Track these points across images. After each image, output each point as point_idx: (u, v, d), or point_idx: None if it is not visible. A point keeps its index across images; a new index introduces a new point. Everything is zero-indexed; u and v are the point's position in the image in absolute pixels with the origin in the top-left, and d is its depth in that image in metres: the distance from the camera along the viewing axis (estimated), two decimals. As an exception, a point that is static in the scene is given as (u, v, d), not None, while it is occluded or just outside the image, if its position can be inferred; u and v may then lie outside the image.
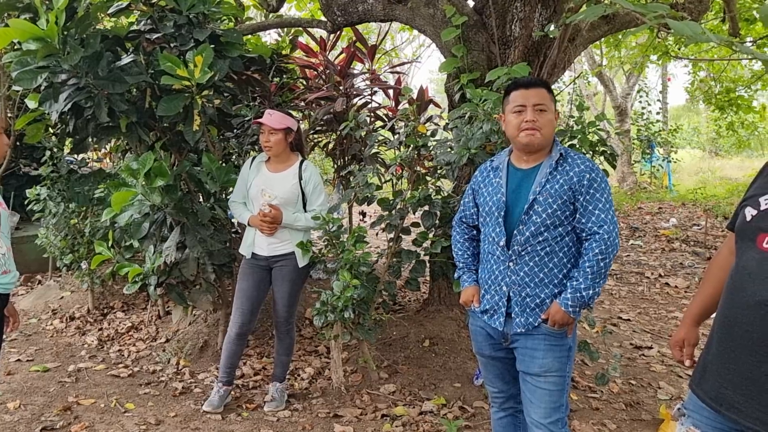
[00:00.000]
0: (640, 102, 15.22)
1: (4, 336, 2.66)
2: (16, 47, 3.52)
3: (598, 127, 3.32)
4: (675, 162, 15.42)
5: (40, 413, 3.48)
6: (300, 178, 3.51)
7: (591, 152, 3.34)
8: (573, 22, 3.35)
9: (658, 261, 7.42)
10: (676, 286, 6.33)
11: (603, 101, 18.39)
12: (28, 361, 4.33)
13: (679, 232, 8.95)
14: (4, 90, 5.45)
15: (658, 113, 15.91)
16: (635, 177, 14.90)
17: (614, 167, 3.45)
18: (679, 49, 10.26)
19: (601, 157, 3.38)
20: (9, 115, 5.62)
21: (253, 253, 3.53)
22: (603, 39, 6.88)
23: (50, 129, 4.26)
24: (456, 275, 2.63)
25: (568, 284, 2.22)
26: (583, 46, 4.71)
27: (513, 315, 2.31)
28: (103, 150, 6.27)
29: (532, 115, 2.24)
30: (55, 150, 5.17)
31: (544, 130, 2.26)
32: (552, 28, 3.81)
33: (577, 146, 3.27)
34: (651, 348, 4.59)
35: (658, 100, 16.40)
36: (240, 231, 4.15)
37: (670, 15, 1.95)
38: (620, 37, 8.04)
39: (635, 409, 3.60)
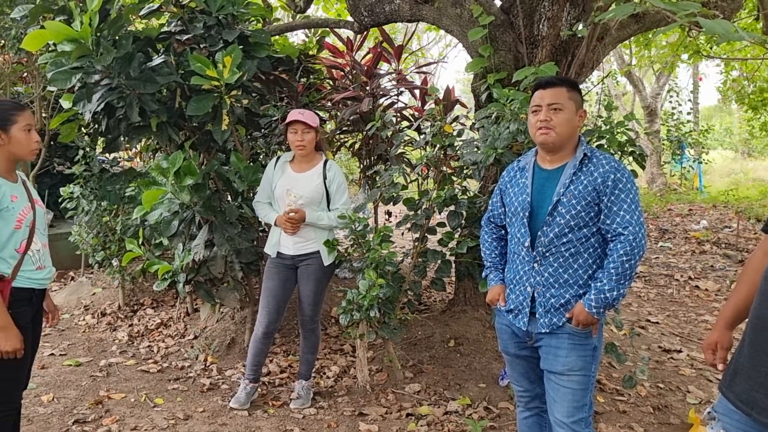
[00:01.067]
0: (671, 102, 14.98)
1: (42, 331, 2.73)
2: (51, 48, 3.60)
3: (626, 127, 3.29)
4: (706, 163, 15.15)
5: (72, 406, 3.56)
6: (324, 178, 3.54)
7: (619, 152, 3.31)
8: (602, 20, 3.31)
9: (687, 263, 7.30)
10: (706, 289, 6.22)
11: (632, 101, 18.14)
12: (61, 355, 4.44)
13: (710, 234, 8.79)
14: (39, 90, 5.59)
15: (688, 113, 15.65)
16: (665, 178, 14.67)
17: (643, 168, 3.41)
18: (710, 48, 10.07)
19: (630, 158, 3.34)
20: (44, 114, 5.76)
21: (278, 252, 3.56)
22: (632, 38, 6.79)
23: (83, 128, 4.35)
24: (483, 274, 2.63)
25: (593, 285, 2.21)
26: (612, 45, 4.66)
27: (537, 315, 2.31)
28: (133, 149, 6.38)
29: (546, 114, 2.26)
30: (87, 149, 5.28)
31: (559, 129, 2.25)
32: (580, 27, 3.78)
33: (605, 146, 3.24)
34: (680, 351, 4.52)
35: (689, 100, 16.13)
36: (267, 230, 4.20)
37: (702, 13, 1.93)
38: (650, 35, 7.93)
39: (663, 413, 3.55)
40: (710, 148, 16.55)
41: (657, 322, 5.25)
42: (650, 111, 13.92)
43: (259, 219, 3.71)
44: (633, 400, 3.69)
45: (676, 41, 9.90)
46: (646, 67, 14.48)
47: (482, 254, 2.64)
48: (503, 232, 2.57)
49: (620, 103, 15.89)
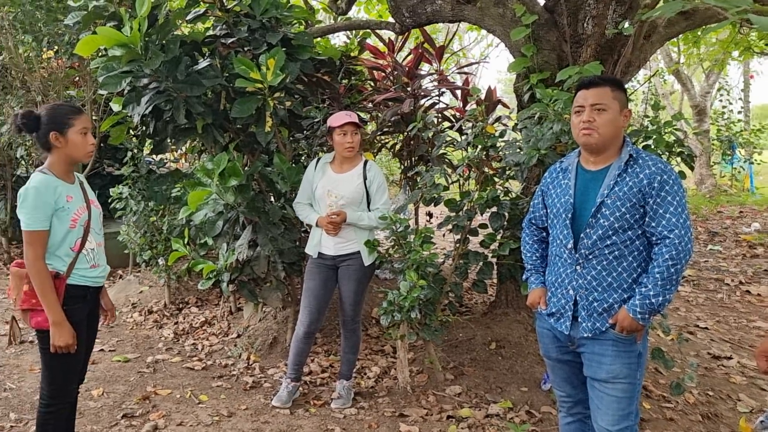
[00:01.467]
0: (721, 101, 14.53)
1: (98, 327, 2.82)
2: (102, 53, 3.72)
3: (674, 127, 3.21)
4: (758, 163, 14.63)
5: (121, 401, 3.67)
6: (365, 178, 3.56)
7: (667, 153, 3.23)
8: (649, 18, 3.24)
9: (738, 267, 7.06)
10: (758, 294, 6.01)
11: (680, 100, 17.68)
12: (110, 351, 4.57)
13: (762, 238, 8.49)
14: (91, 94, 5.77)
15: (739, 112, 15.15)
16: (715, 179, 14.23)
17: (692, 168, 3.31)
18: (763, 44, 9.74)
19: (678, 158, 3.25)
20: (95, 117, 5.94)
21: (319, 253, 3.59)
22: (681, 35, 6.61)
23: (132, 131, 4.48)
24: (524, 277, 2.60)
25: (637, 290, 2.15)
26: (659, 43, 4.55)
27: (579, 319, 2.27)
28: (180, 151, 6.53)
29: (589, 115, 2.22)
30: (136, 151, 5.43)
31: (602, 129, 2.21)
32: (627, 25, 3.71)
33: (652, 147, 3.17)
34: (730, 358, 4.38)
35: (740, 99, 15.62)
36: (309, 230, 4.24)
37: (753, 9, 1.87)
38: (699, 33, 7.71)
39: (713, 422, 3.45)
40: (762, 148, 15.94)
41: (706, 328, 5.09)
42: (699, 110, 13.53)
43: (301, 219, 3.75)
44: (681, 407, 3.59)
45: (726, 38, 9.61)
46: (695, 65, 14.09)
47: (523, 256, 2.62)
48: (545, 234, 2.54)
49: (668, 102, 15.49)
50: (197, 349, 4.62)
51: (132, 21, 3.30)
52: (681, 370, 4.06)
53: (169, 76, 3.51)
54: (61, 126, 2.47)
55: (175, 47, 3.54)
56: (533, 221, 2.57)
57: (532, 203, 2.58)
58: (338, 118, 3.46)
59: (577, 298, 2.27)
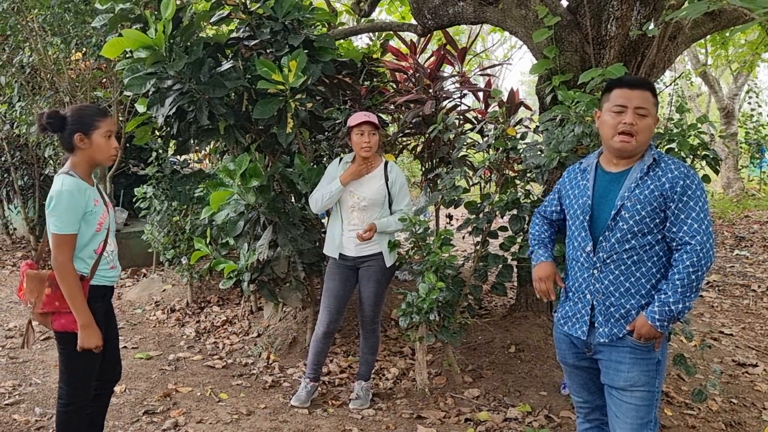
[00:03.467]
0: (749, 103, 14.25)
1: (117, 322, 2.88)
2: (127, 55, 3.78)
3: (699, 130, 3.16)
4: (788, 167, 14.34)
5: (143, 398, 3.72)
6: (386, 179, 3.56)
7: (691, 156, 3.18)
8: (674, 19, 3.19)
9: (766, 273, 6.93)
10: (786, 301, 5.89)
11: (707, 103, 17.38)
12: (133, 348, 4.63)
13: (791, 243, 8.32)
14: (117, 95, 5.87)
15: (769, 115, 14.86)
16: (742, 183, 13.96)
17: (717, 172, 3.26)
18: (794, 46, 9.54)
19: (703, 162, 3.20)
20: (120, 118, 6.04)
21: (340, 254, 3.60)
22: (708, 37, 6.52)
23: (156, 131, 4.54)
24: (528, 252, 2.53)
25: (656, 297, 2.11)
26: (685, 44, 4.48)
27: (596, 324, 2.24)
28: (203, 152, 6.61)
29: (632, 118, 2.12)
30: (160, 151, 5.50)
31: (640, 136, 2.13)
32: (651, 26, 3.66)
33: (676, 150, 3.12)
34: (756, 366, 4.30)
35: (770, 101, 15.31)
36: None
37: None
38: (727, 34, 7.58)
39: (736, 430, 3.39)
40: (793, 151, 15.61)
41: (731, 334, 5.00)
42: (727, 113, 13.29)
43: (319, 204, 3.59)
44: (703, 414, 3.53)
45: (755, 39, 9.44)
46: (722, 66, 13.85)
47: (530, 237, 2.57)
48: (554, 226, 2.53)
49: (695, 104, 15.25)
50: (218, 347, 4.67)
51: (157, 23, 3.35)
52: (704, 377, 3.99)
53: (193, 77, 3.55)
54: (86, 127, 2.49)
55: (199, 49, 3.59)
56: (543, 213, 2.53)
57: (546, 198, 2.54)
58: (356, 118, 3.48)
59: (594, 303, 2.23)
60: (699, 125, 3.17)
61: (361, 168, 3.46)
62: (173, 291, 5.89)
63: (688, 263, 2.06)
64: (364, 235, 3.44)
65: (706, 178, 2.95)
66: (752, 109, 14.29)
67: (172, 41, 3.46)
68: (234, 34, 4.02)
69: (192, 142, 4.04)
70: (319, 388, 3.81)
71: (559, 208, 2.47)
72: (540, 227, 2.56)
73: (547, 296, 2.44)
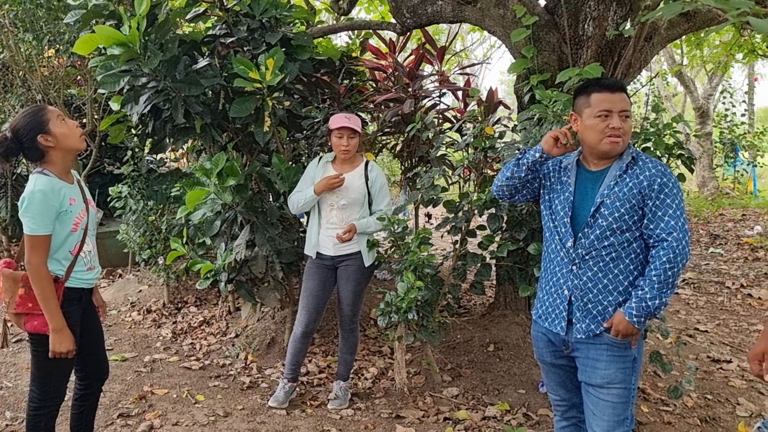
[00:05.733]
0: (724, 103, 14.48)
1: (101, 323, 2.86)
2: (101, 52, 3.71)
3: (674, 129, 3.19)
4: (761, 166, 14.58)
5: (117, 400, 3.66)
6: (366, 179, 3.55)
7: (667, 155, 3.21)
8: (650, 19, 3.22)
9: (740, 270, 7.03)
10: (759, 298, 5.98)
11: (683, 103, 17.62)
12: (108, 350, 4.53)
13: (764, 241, 8.46)
14: (91, 93, 5.78)
15: (743, 115, 15.10)
16: (717, 182, 14.19)
17: (691, 171, 3.30)
18: (767, 47, 9.70)
19: (678, 161, 3.24)
20: (95, 116, 5.95)
21: (318, 253, 3.58)
22: (683, 37, 6.60)
23: (132, 130, 4.48)
24: (516, 158, 2.42)
25: (633, 293, 2.14)
26: (661, 44, 4.53)
27: (574, 320, 2.26)
28: (180, 150, 6.53)
29: (619, 122, 2.17)
30: (136, 150, 5.43)
31: (626, 137, 2.19)
32: (627, 26, 3.68)
33: (652, 149, 3.15)
34: (730, 362, 4.36)
35: (744, 102, 15.57)
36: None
37: (753, 11, 1.85)
38: (702, 35, 7.69)
39: (711, 425, 3.43)
40: (766, 151, 15.89)
41: (706, 331, 5.07)
42: (702, 112, 13.49)
43: (296, 207, 3.62)
44: (679, 411, 3.57)
45: (729, 40, 9.59)
46: (698, 67, 14.05)
47: (503, 170, 2.46)
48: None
49: (670, 104, 15.45)
50: (195, 348, 4.62)
51: (131, 20, 3.29)
52: (680, 373, 4.04)
53: (168, 75, 3.50)
54: (41, 126, 2.40)
55: (174, 46, 3.54)
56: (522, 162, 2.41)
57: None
58: (335, 121, 3.47)
59: (572, 298, 2.26)
60: (674, 124, 3.21)
61: (333, 183, 3.44)
62: (149, 292, 5.82)
63: (664, 259, 2.09)
64: (344, 236, 3.43)
65: (681, 177, 2.98)
66: (726, 109, 14.51)
67: (146, 38, 3.41)
68: (210, 32, 3.97)
69: (168, 140, 3.99)
70: (298, 389, 3.78)
71: (536, 172, 2.40)
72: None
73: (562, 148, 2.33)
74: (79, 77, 6.15)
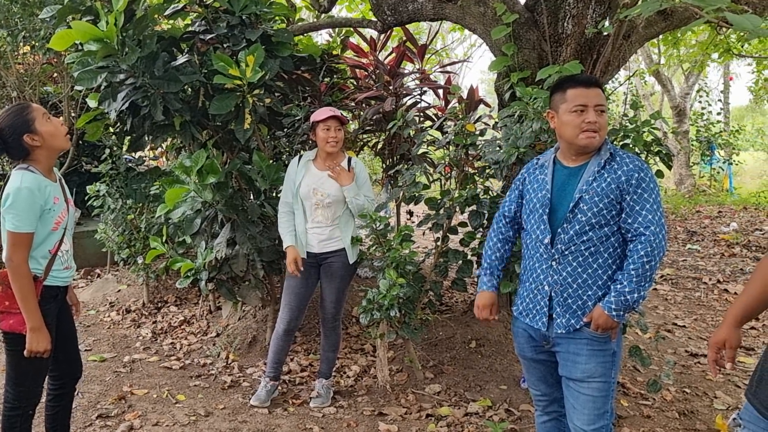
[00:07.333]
0: (700, 102, 14.70)
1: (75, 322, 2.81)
2: (78, 48, 3.66)
3: (652, 126, 3.23)
4: (737, 164, 14.83)
5: (96, 401, 3.61)
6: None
7: (645, 152, 3.25)
8: (628, 18, 3.25)
9: (716, 266, 7.15)
10: (735, 293, 6.08)
11: (660, 101, 17.84)
12: (86, 350, 4.50)
13: (740, 237, 8.60)
14: (68, 90, 5.69)
15: (719, 114, 15.35)
16: (694, 179, 14.40)
17: (669, 168, 3.34)
18: (742, 46, 9.86)
19: (656, 157, 3.28)
20: (72, 114, 5.86)
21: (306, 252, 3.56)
22: (661, 36, 6.67)
23: (110, 128, 4.42)
24: (477, 273, 2.60)
25: (612, 287, 2.16)
26: (639, 43, 4.57)
27: (554, 316, 2.28)
28: (159, 148, 6.46)
29: (594, 116, 2.19)
30: (114, 148, 5.35)
31: (603, 132, 2.21)
32: (606, 24, 3.72)
33: (630, 145, 3.18)
34: (707, 356, 4.42)
35: (720, 100, 15.82)
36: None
37: (730, 8, 1.88)
38: (679, 34, 7.78)
39: (689, 419, 3.48)
40: (741, 149, 16.19)
41: (684, 326, 5.15)
42: (679, 111, 13.67)
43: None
44: (658, 404, 3.62)
45: (705, 40, 9.72)
46: (674, 66, 14.24)
47: (483, 252, 2.61)
48: (511, 233, 2.53)
49: (648, 103, 15.63)
50: (175, 348, 4.57)
51: (108, 15, 3.25)
52: (658, 368, 4.09)
53: (146, 71, 3.46)
54: (27, 125, 2.37)
55: (153, 43, 3.50)
56: (506, 214, 2.52)
57: (507, 195, 2.55)
58: (322, 113, 3.44)
59: (552, 294, 2.27)
60: (653, 121, 3.24)
61: (292, 268, 3.43)
62: (128, 291, 5.75)
63: (642, 253, 2.11)
64: (336, 168, 3.44)
65: (659, 174, 3.02)
66: (703, 108, 14.73)
67: (124, 34, 3.37)
68: (190, 28, 3.93)
69: (146, 138, 3.95)
70: (280, 387, 3.76)
71: (521, 202, 2.47)
72: (494, 244, 2.54)
73: (487, 322, 2.58)
74: (55, 74, 6.05)
